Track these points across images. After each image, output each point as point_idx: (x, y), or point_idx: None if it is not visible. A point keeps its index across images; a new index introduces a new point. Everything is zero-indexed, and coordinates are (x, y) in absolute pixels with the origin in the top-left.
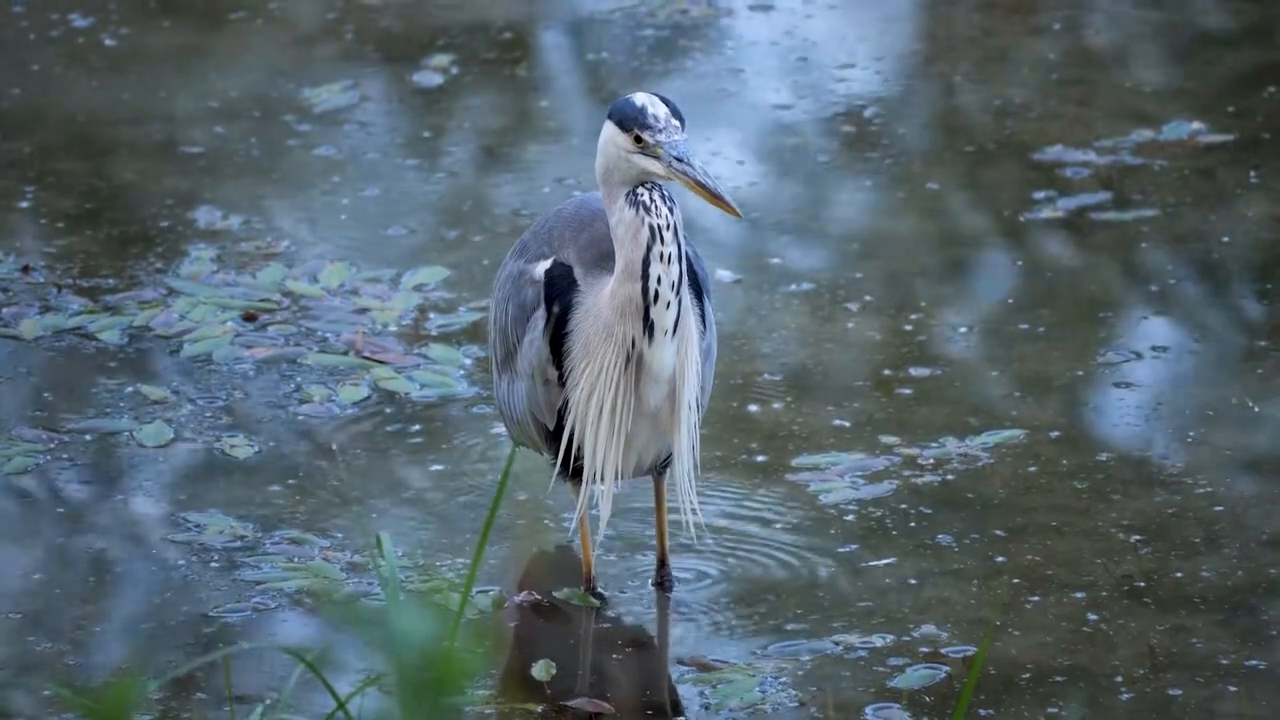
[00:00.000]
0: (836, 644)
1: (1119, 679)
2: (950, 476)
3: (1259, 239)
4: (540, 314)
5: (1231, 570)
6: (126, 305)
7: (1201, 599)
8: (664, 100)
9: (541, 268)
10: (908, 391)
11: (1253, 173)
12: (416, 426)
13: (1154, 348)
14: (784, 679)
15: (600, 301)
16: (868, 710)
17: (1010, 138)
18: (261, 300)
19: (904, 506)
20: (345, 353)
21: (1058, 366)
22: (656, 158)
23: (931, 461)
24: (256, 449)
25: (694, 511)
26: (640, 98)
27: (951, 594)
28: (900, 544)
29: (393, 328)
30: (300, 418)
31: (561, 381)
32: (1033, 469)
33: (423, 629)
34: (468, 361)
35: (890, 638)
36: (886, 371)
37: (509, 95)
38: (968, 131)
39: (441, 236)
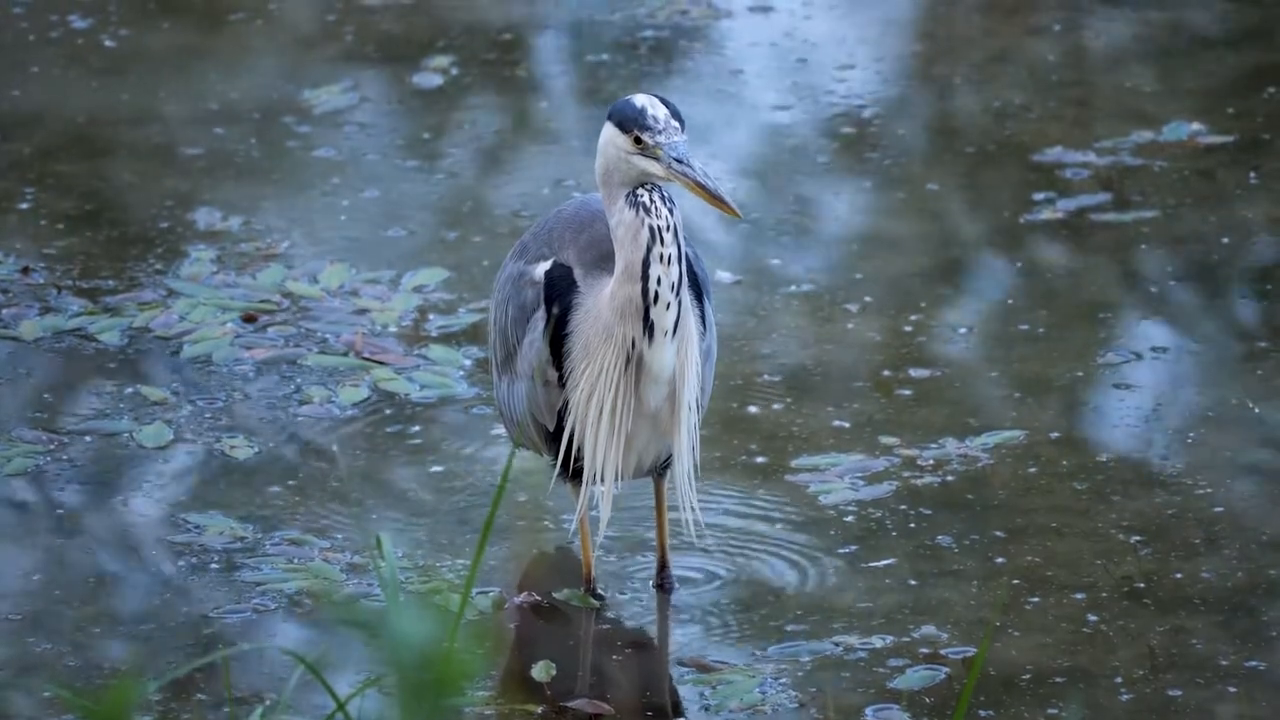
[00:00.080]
0: (836, 645)
1: (1119, 680)
2: (950, 477)
3: (1259, 240)
4: (540, 315)
5: (1231, 571)
6: (126, 306)
7: (1201, 600)
8: (664, 101)
9: (541, 269)
10: (907, 392)
11: (1252, 174)
12: (416, 427)
13: (1154, 349)
14: (784, 680)
15: (600, 302)
16: (868, 711)
17: (1010, 139)
18: (261, 301)
19: (904, 507)
20: (345, 354)
21: (1057, 367)
22: (656, 159)
23: (931, 462)
24: (256, 450)
25: (694, 512)
26: (640, 99)
27: (951, 595)
28: (900, 545)
29: (392, 329)
30: (300, 419)
31: (561, 382)
32: (1032, 470)
33: (422, 630)
34: (467, 362)
35: (890, 639)
36: (886, 372)
37: (509, 96)
38: (967, 132)
39: (441, 238)
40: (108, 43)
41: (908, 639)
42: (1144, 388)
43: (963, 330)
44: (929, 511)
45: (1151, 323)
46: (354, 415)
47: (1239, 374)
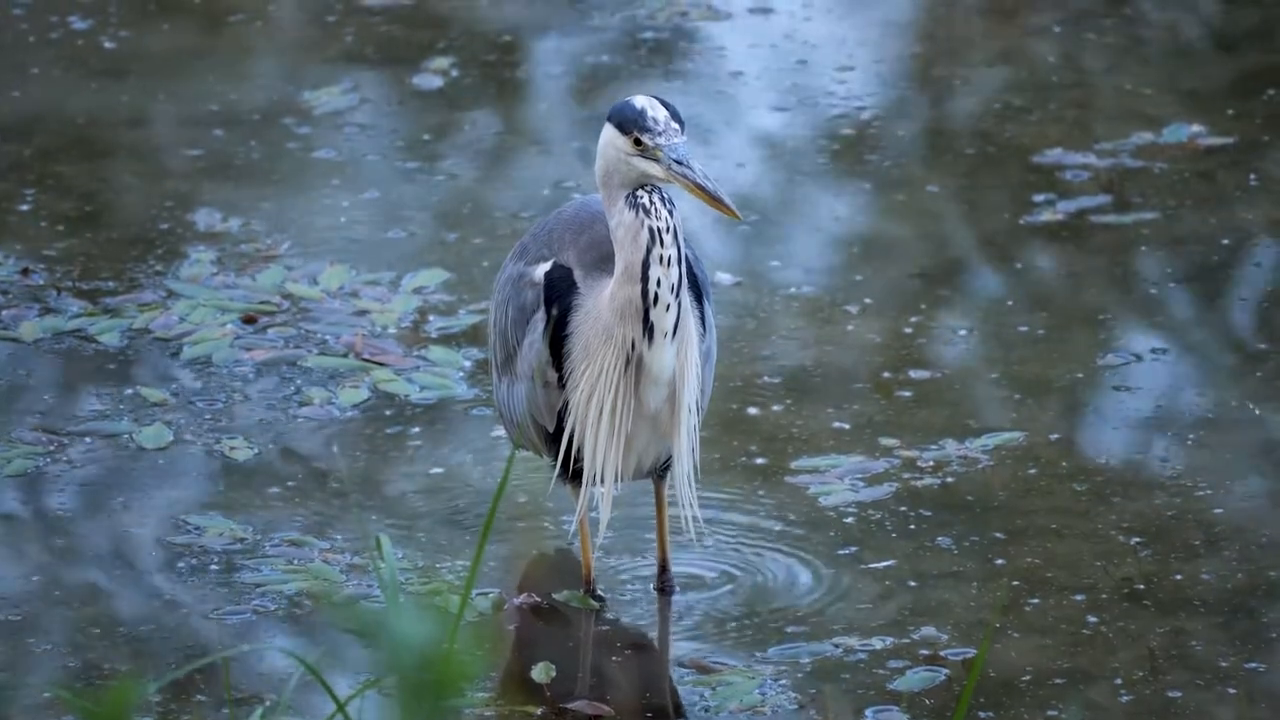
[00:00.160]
0: (836, 646)
1: (1118, 681)
2: (950, 479)
3: (1259, 242)
4: (540, 316)
5: (1231, 573)
6: (126, 308)
7: (1201, 602)
8: (663, 103)
9: (541, 270)
10: (907, 394)
11: (1252, 175)
12: (416, 429)
13: (1154, 350)
14: (784, 681)
15: (600, 304)
16: (868, 713)
17: (1010, 140)
18: (261, 303)
19: (903, 509)
20: (345, 355)
21: (1058, 369)
22: (656, 160)
23: (931, 464)
24: (256, 451)
25: (694, 513)
26: (640, 100)
27: (951, 596)
28: (900, 546)
29: (392, 330)
30: (300, 420)
31: (561, 384)
32: (1032, 471)
33: (422, 631)
34: (467, 364)
35: (890, 640)
36: (886, 374)
37: (508, 98)
38: (967, 134)
39: (441, 239)
40: (107, 44)
41: (907, 640)
42: (1144, 389)
43: (963, 332)
44: (929, 513)
45: (1151, 324)
46: (354, 416)
47: (1239, 376)
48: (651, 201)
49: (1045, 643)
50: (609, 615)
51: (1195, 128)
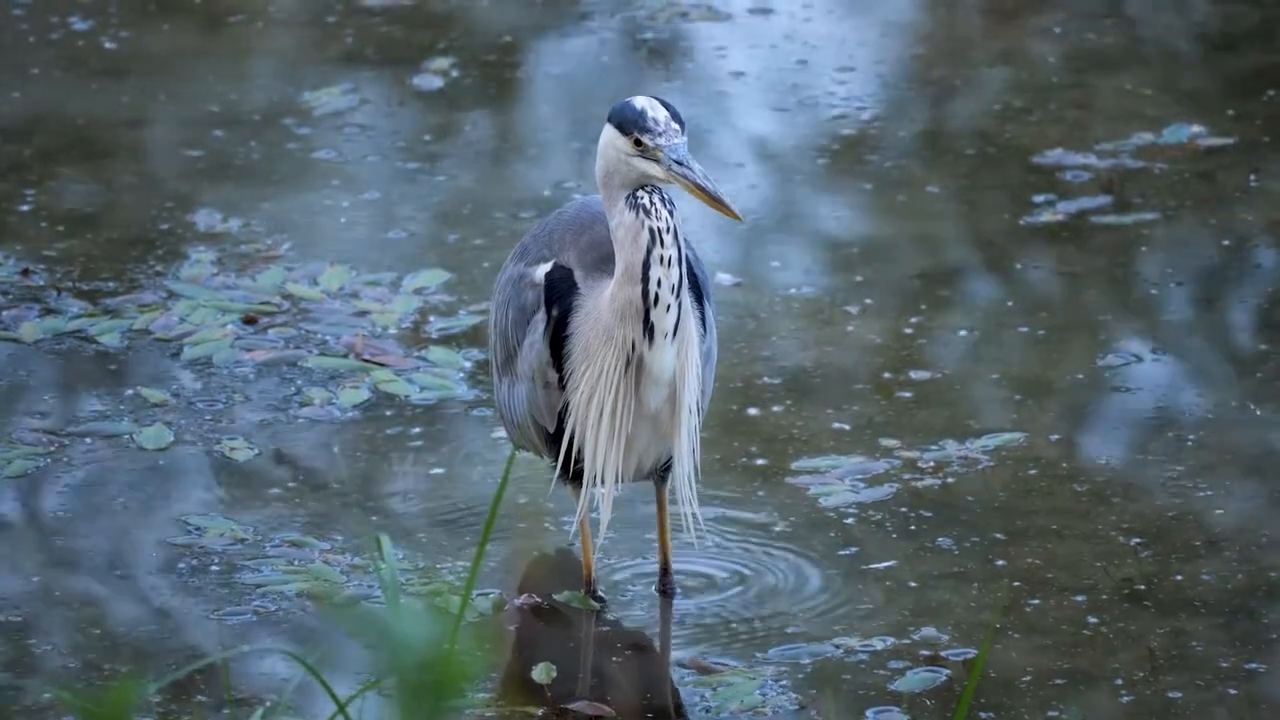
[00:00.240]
0: (837, 647)
1: (1119, 682)
2: (950, 480)
3: (1259, 242)
4: (540, 317)
5: (1232, 574)
6: (126, 308)
7: (1202, 602)
8: (664, 103)
9: (542, 270)
10: (908, 395)
11: (1253, 176)
12: (416, 429)
13: (1154, 351)
14: (784, 682)
15: (600, 304)
16: (868, 713)
17: (1010, 141)
18: (261, 303)
19: (904, 509)
20: (345, 355)
21: (1058, 370)
22: (656, 161)
23: (931, 465)
24: (257, 452)
25: (694, 514)
26: (640, 101)
27: (952, 597)
28: (900, 547)
29: (393, 331)
30: (300, 420)
31: (562, 384)
32: (1033, 472)
33: (423, 632)
34: (468, 364)
35: (890, 641)
36: (886, 375)
37: (509, 98)
38: (967, 135)
39: (441, 239)
40: (108, 45)
41: (908, 641)
42: (1144, 390)
43: (963, 333)
44: (929, 514)
45: (1151, 325)
46: (354, 417)
47: (1239, 376)
48: (652, 202)
49: (1046, 643)
50: (609, 616)
51: (1195, 128)
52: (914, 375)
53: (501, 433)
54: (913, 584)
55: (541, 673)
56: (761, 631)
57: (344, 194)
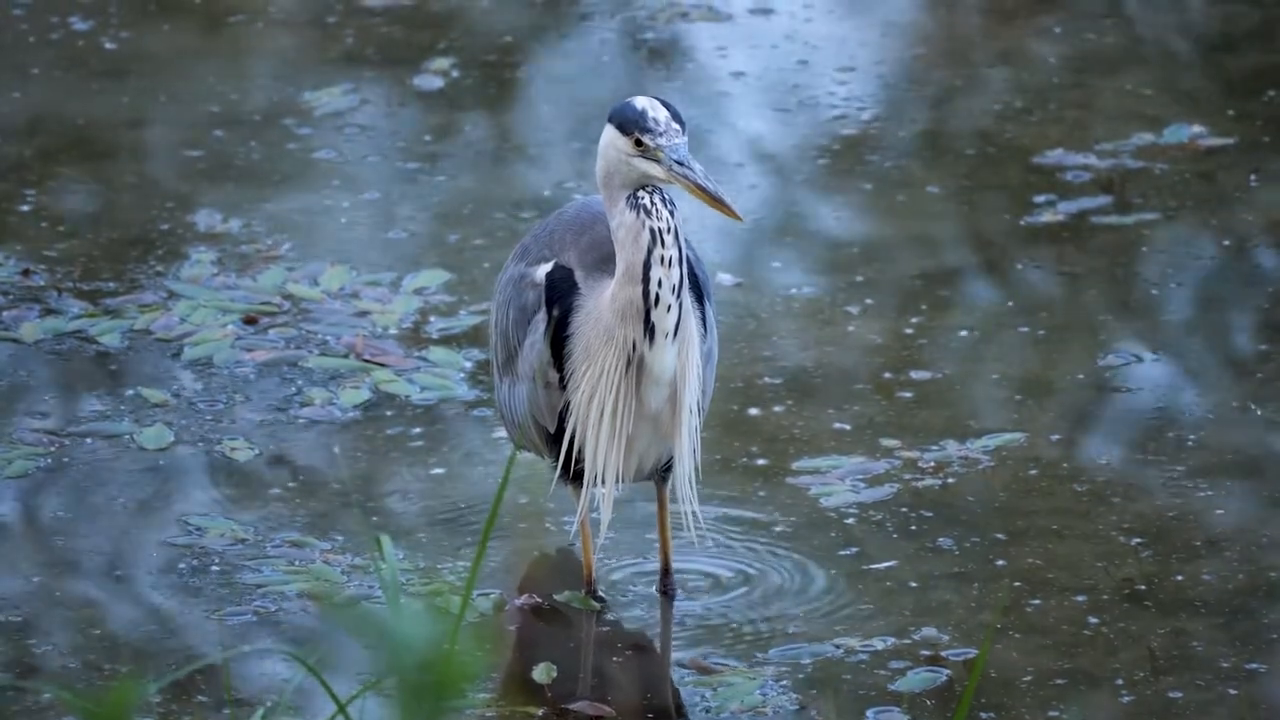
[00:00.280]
0: (837, 647)
1: (1119, 682)
2: (951, 480)
3: (1259, 242)
4: (541, 317)
5: (1232, 574)
6: (127, 308)
7: (1202, 602)
8: (664, 104)
9: (542, 270)
10: (908, 395)
11: (1253, 176)
12: (417, 429)
13: (1154, 351)
14: (785, 682)
15: (601, 304)
16: (868, 713)
17: (1010, 141)
18: (262, 303)
19: (904, 510)
20: (346, 356)
21: (1058, 370)
22: (657, 161)
23: (932, 465)
24: (257, 452)
25: (695, 514)
26: (641, 101)
27: (952, 597)
28: (901, 547)
29: (393, 331)
30: (301, 420)
31: (562, 384)
32: (1033, 472)
33: (423, 632)
34: (468, 364)
35: (891, 641)
36: (887, 375)
37: (509, 98)
38: (967, 135)
39: (442, 240)
40: (108, 45)
41: (909, 641)
42: (1144, 390)
43: (963, 333)
44: (930, 514)
45: (1152, 325)
46: (355, 417)
47: (1239, 376)
48: (652, 202)
49: (1046, 643)
50: (610, 616)
51: (1196, 128)
52: (914, 375)
53: (501, 433)
54: (913, 584)
55: (542, 673)
56: (762, 631)
57: (344, 194)
